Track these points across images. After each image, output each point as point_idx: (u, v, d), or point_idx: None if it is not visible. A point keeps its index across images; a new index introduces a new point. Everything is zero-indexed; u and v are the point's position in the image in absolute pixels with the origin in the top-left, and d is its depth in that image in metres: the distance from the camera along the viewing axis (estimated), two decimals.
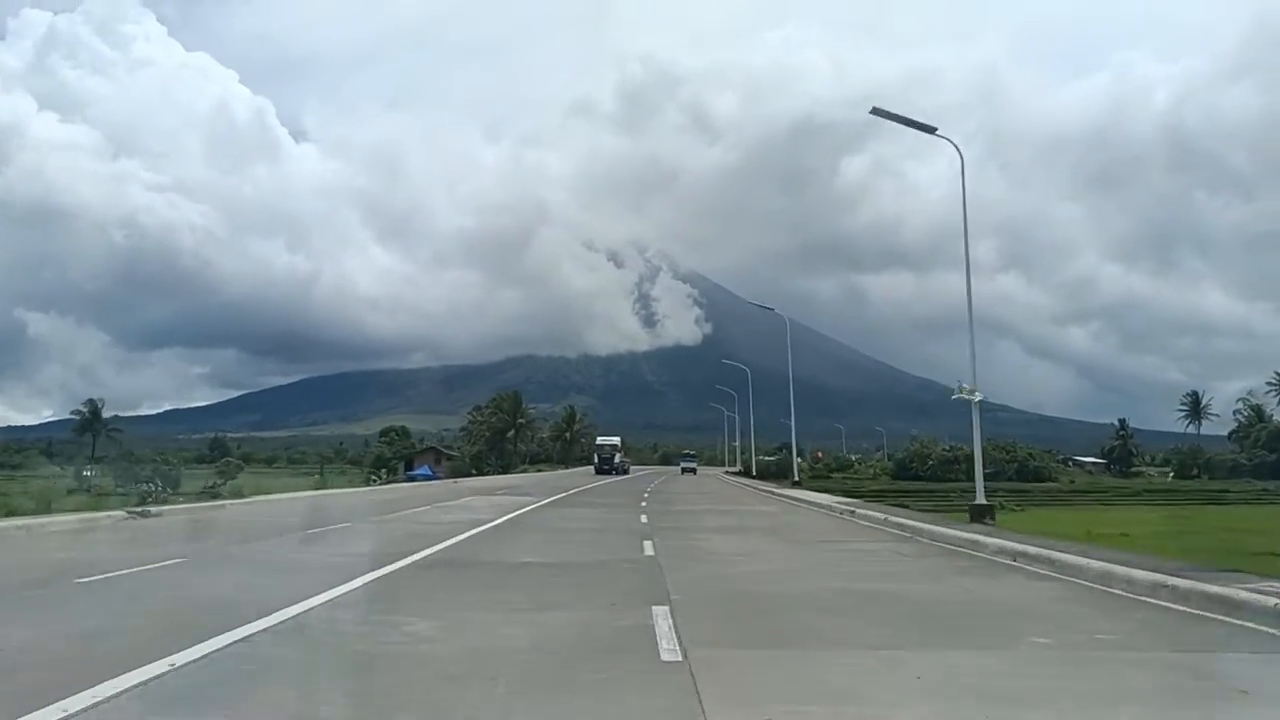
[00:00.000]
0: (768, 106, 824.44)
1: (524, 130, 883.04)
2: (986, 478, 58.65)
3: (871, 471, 72.12)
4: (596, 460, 77.03)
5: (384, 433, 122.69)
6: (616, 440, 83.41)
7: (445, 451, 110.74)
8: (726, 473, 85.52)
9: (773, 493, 36.68)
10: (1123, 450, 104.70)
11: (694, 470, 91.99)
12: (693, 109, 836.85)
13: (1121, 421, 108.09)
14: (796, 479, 44.42)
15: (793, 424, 46.26)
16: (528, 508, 23.73)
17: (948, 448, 67.19)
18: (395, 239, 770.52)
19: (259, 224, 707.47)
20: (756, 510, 26.20)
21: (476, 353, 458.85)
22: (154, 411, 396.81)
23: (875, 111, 23.71)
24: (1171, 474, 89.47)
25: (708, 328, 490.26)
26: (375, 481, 52.19)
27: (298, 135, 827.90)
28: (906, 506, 29.07)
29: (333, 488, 38.59)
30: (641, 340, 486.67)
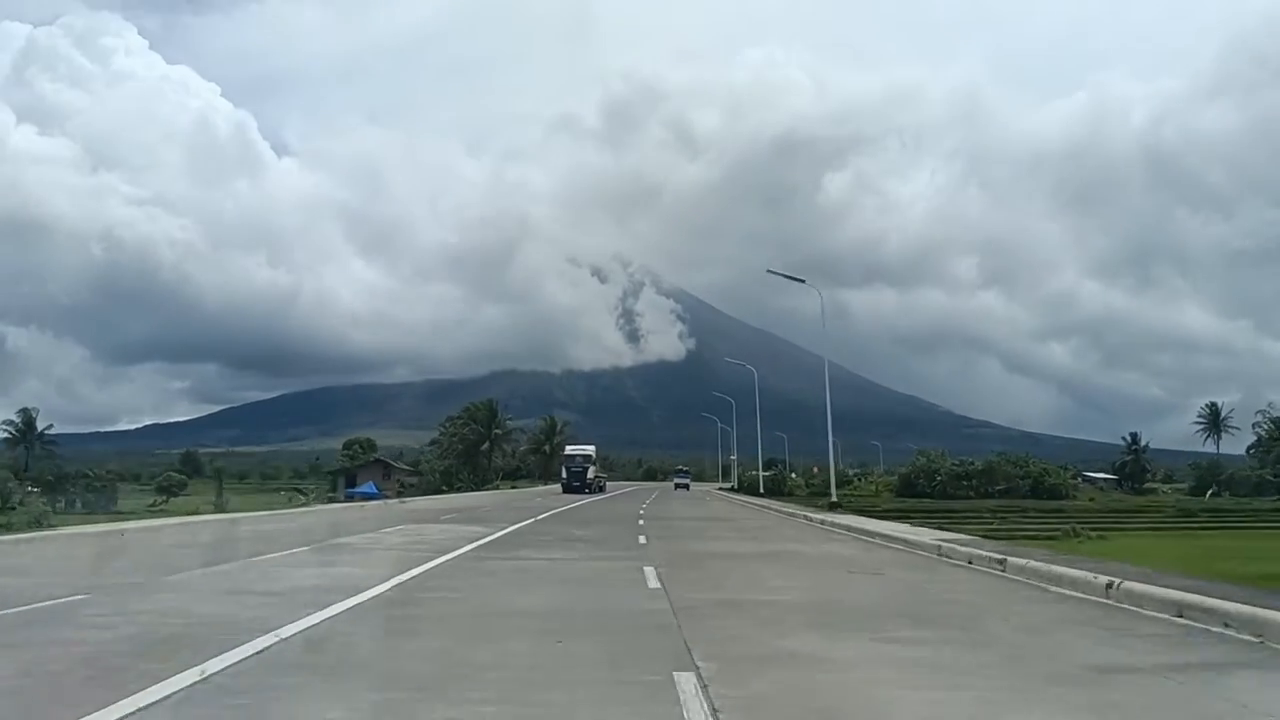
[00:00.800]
0: (750, 122, 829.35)
1: (507, 145, 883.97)
2: (998, 494, 51.10)
3: (874, 488, 67.19)
4: (565, 475, 62.86)
5: (347, 445, 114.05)
6: (590, 450, 69.00)
7: (394, 465, 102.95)
8: (719, 489, 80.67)
9: (810, 519, 28.36)
10: (1135, 466, 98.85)
11: (687, 486, 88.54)
12: (675, 124, 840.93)
13: (1133, 435, 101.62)
14: (834, 499, 36.57)
15: (830, 440, 38.80)
16: (465, 548, 15.94)
17: (957, 462, 60.87)
18: (377, 253, 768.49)
19: (240, 238, 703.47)
20: (833, 555, 16.28)
21: (459, 367, 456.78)
22: (133, 426, 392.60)
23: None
24: (1188, 490, 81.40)
25: (691, 343, 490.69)
26: (302, 501, 45.34)
27: (279, 149, 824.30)
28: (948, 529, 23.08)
29: (257, 508, 34.46)
30: (625, 356, 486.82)
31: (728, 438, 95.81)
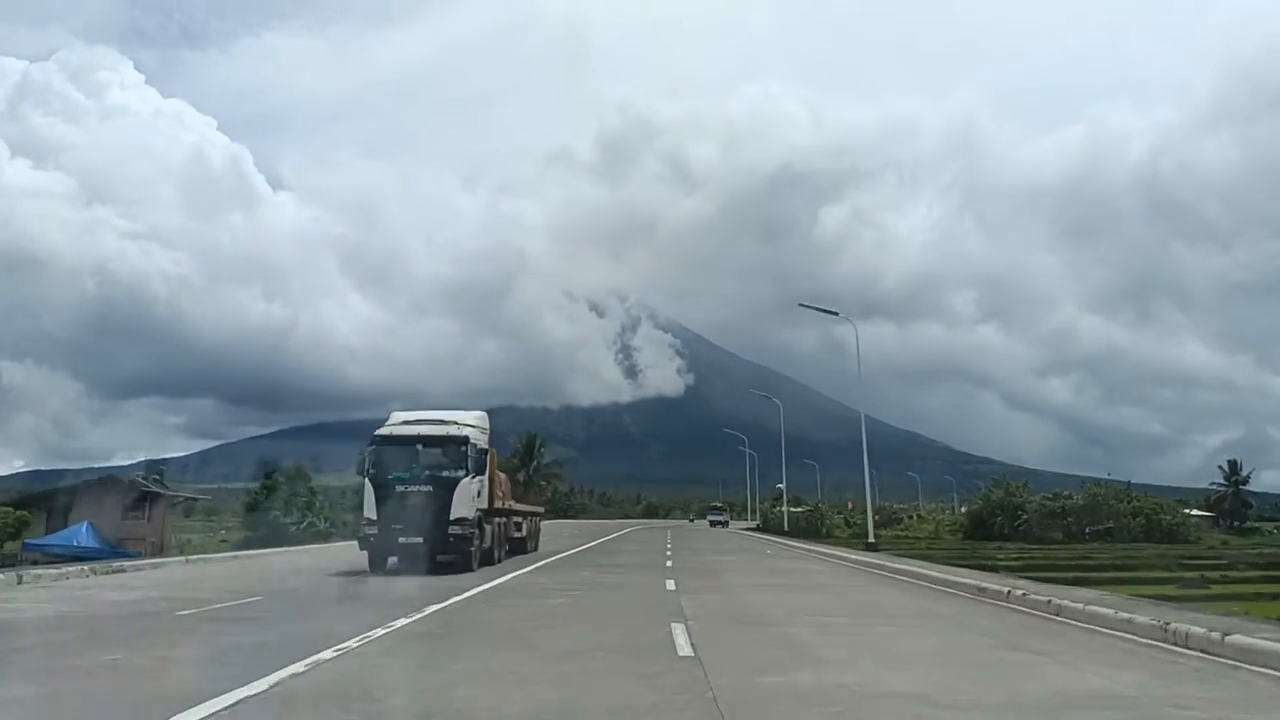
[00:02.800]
0: (746, 156, 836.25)
1: (503, 179, 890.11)
2: (1098, 536, 41.59)
3: (932, 528, 55.71)
4: (369, 528, 19.63)
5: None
6: (471, 423, 21.65)
7: (145, 487, 46.39)
8: (744, 529, 69.97)
9: (863, 566, 23.46)
10: (1235, 501, 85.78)
11: (725, 524, 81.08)
12: (671, 158, 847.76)
13: (1231, 465, 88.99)
14: (872, 539, 32.56)
15: (866, 472, 33.65)
16: None
17: (1050, 495, 47.24)
18: (374, 287, 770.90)
19: (236, 271, 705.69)
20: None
21: (456, 403, 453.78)
22: (128, 462, 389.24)
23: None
24: None
25: (689, 378, 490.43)
26: None
27: (275, 183, 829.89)
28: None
29: None
30: (624, 391, 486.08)
31: (755, 464, 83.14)
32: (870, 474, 34.27)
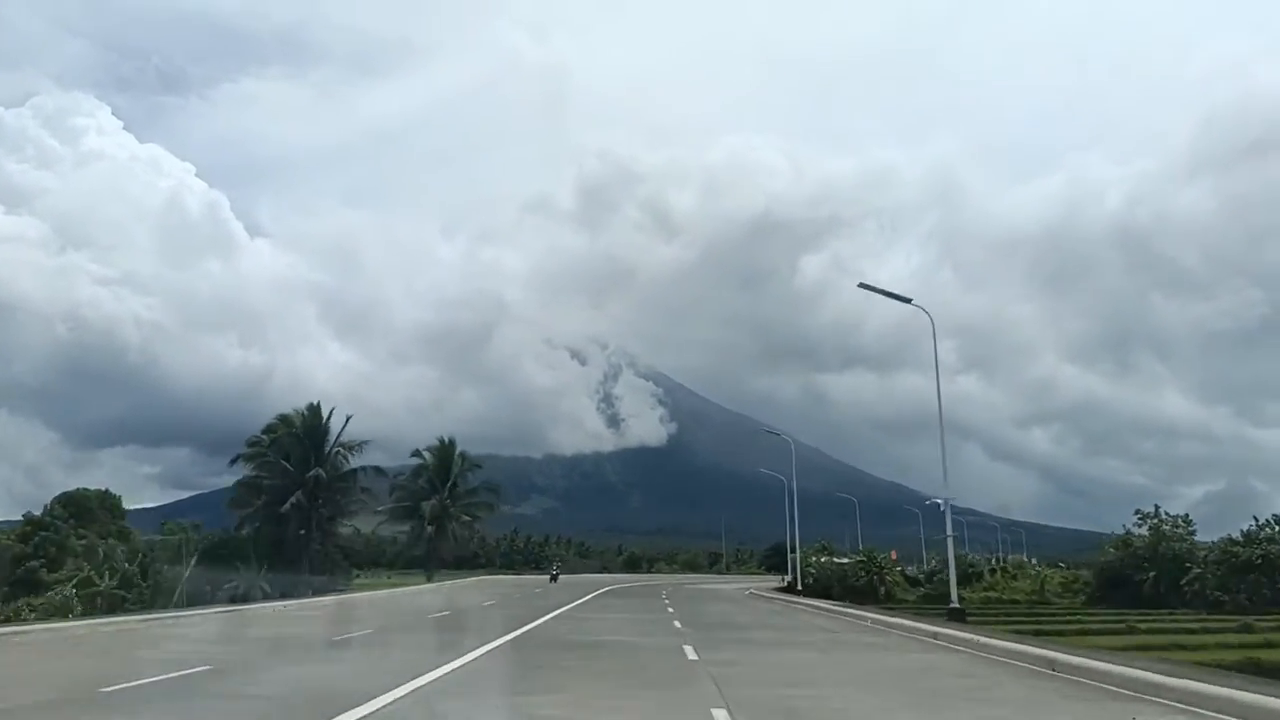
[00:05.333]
0: (725, 203, 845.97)
1: (482, 227, 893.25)
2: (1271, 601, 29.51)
3: (1030, 587, 42.77)
4: None
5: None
6: None
7: None
8: (775, 590, 52.85)
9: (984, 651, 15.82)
10: None
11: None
12: (651, 206, 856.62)
13: None
14: (957, 603, 24.83)
15: (948, 527, 26.95)
16: None
17: (1238, 543, 31.34)
18: (352, 335, 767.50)
19: (212, 318, 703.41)
20: None
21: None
22: None
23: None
24: None
25: (672, 427, 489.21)
26: None
27: (253, 230, 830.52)
28: None
29: None
30: (607, 440, 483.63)
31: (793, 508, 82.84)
32: (950, 530, 27.07)
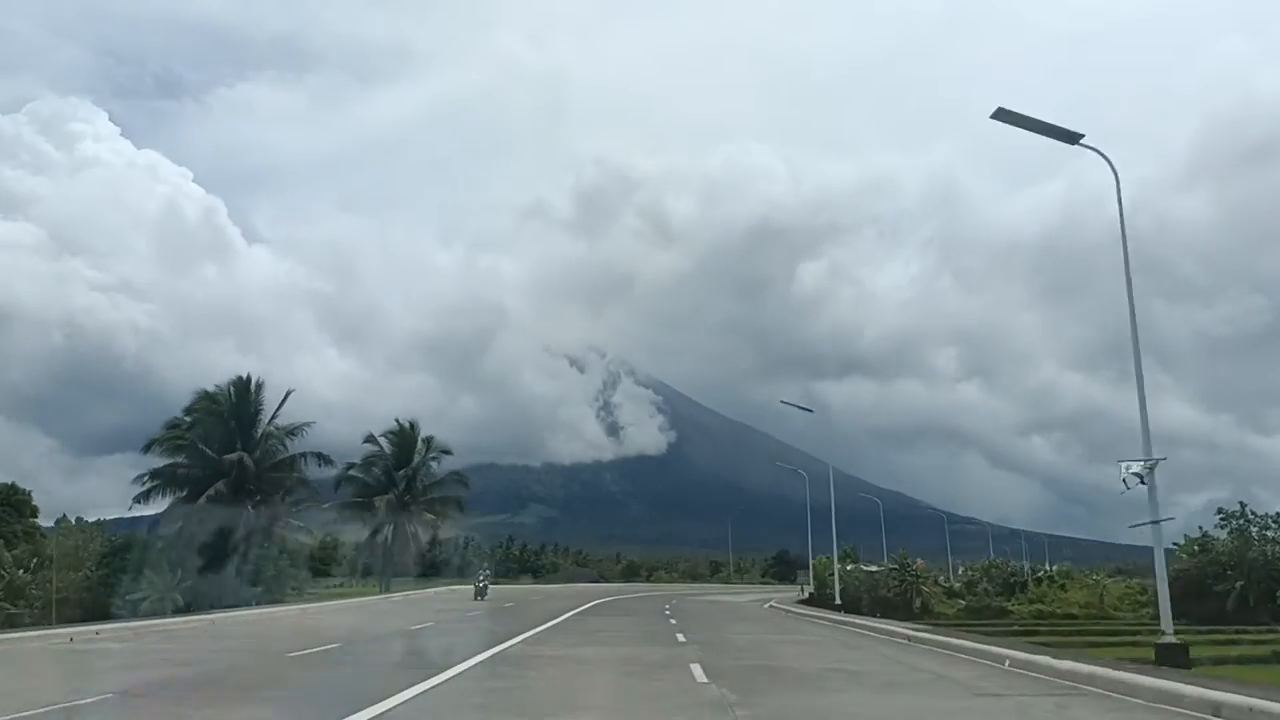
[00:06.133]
0: (723, 210, 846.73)
1: (480, 234, 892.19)
2: None
3: (1093, 593, 37.44)
4: None
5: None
6: None
7: None
8: (798, 603, 47.06)
9: None
10: None
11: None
12: (648, 212, 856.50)
13: None
14: (1170, 635, 16.38)
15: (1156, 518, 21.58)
16: None
17: None
18: (350, 342, 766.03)
19: (209, 325, 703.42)
20: None
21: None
22: (100, 519, 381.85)
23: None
24: None
25: (672, 435, 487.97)
26: None
27: (250, 236, 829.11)
28: None
29: None
30: (606, 449, 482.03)
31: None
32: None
